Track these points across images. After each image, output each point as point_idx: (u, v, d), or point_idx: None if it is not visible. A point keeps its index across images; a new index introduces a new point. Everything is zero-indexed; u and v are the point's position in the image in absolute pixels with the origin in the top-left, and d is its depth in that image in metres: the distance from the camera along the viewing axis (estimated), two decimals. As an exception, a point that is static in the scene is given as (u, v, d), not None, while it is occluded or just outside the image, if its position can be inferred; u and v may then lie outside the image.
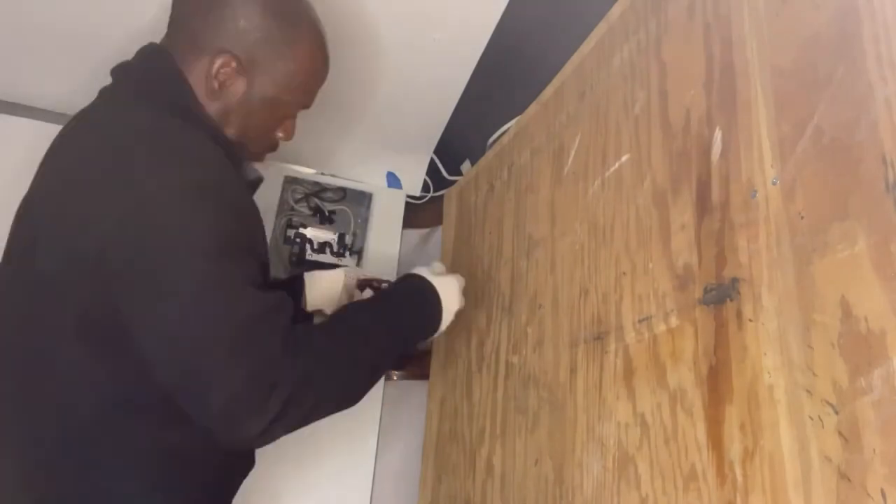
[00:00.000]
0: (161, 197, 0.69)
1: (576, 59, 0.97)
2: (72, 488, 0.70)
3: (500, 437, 1.01)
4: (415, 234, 1.64)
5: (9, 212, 0.82)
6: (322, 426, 1.28)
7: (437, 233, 1.60)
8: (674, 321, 0.63)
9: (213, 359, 0.64)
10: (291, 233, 1.40)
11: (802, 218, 0.50)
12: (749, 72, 0.59)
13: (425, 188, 1.55)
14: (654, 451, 0.62)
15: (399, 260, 1.47)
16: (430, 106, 1.28)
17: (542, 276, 0.96)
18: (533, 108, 1.11)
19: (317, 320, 1.11)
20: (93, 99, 0.85)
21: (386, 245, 1.46)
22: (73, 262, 0.70)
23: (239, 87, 0.84)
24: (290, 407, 0.67)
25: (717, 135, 0.62)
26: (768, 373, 0.51)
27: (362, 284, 1.15)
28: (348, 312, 0.86)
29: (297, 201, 1.44)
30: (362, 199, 1.50)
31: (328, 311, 1.11)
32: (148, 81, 0.83)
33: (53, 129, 0.84)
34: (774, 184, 0.54)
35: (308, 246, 1.40)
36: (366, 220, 1.48)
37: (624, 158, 0.78)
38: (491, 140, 1.33)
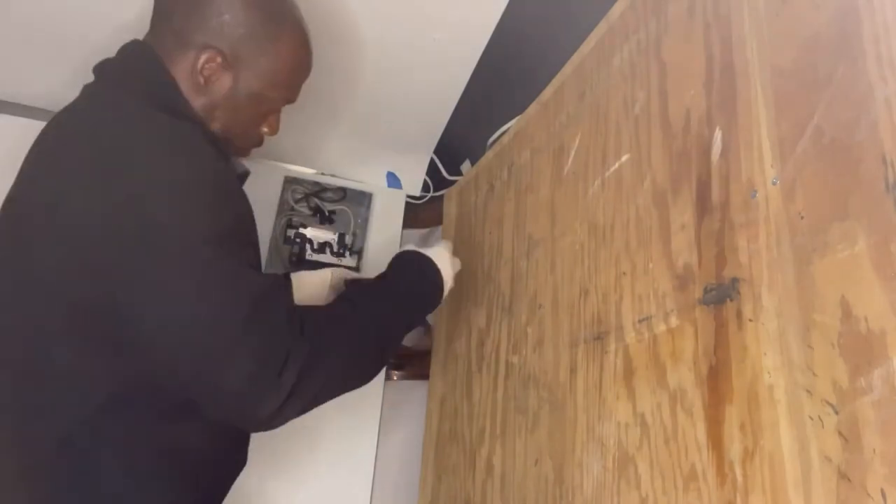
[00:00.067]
0: (157, 188, 0.70)
1: (576, 59, 0.97)
2: (66, 487, 0.70)
3: (500, 437, 1.01)
4: (415, 234, 1.64)
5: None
6: (322, 426, 1.29)
7: (437, 233, 1.60)
8: (674, 321, 0.63)
9: (224, 341, 0.65)
10: (291, 233, 1.40)
11: (802, 218, 0.50)
12: (749, 72, 0.59)
13: (425, 188, 1.55)
14: (654, 451, 0.62)
15: (399, 260, 1.46)
16: (430, 106, 1.28)
17: (542, 276, 0.96)
18: (533, 108, 1.11)
19: None
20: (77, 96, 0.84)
21: (386, 245, 1.46)
22: (69, 257, 0.70)
23: (224, 82, 0.84)
24: (303, 382, 0.67)
25: (717, 135, 0.62)
26: (768, 373, 0.51)
27: (350, 285, 1.14)
28: (349, 291, 0.88)
29: (297, 201, 1.44)
30: (362, 199, 1.50)
31: None
32: (133, 77, 0.82)
33: (37, 126, 0.83)
34: (774, 184, 0.54)
35: (308, 246, 1.39)
36: (366, 220, 1.48)
37: (624, 158, 0.78)
38: (491, 140, 1.33)
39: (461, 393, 1.22)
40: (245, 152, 0.96)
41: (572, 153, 0.93)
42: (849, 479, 0.42)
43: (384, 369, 1.37)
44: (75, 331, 0.71)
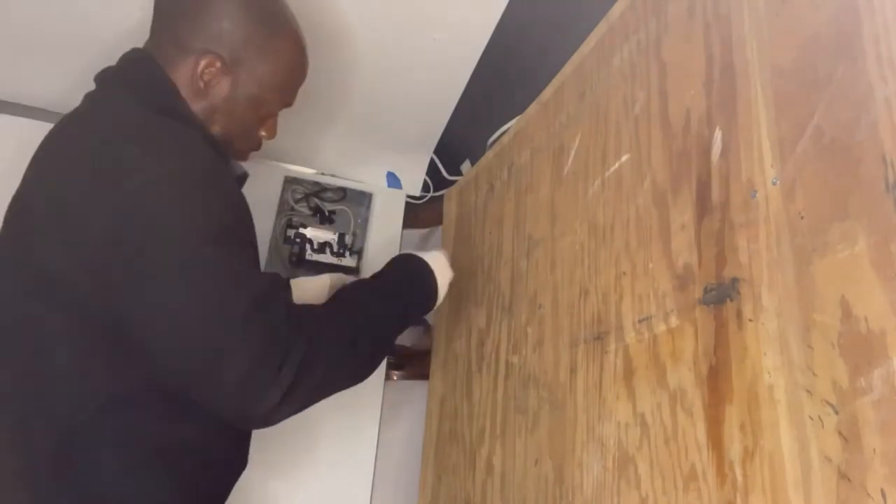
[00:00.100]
0: (157, 187, 0.71)
1: (576, 59, 0.97)
2: (67, 487, 0.70)
3: (500, 437, 1.01)
4: (415, 234, 1.64)
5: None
6: (322, 426, 1.29)
7: (437, 233, 1.60)
8: (674, 321, 0.63)
9: (225, 338, 0.66)
10: (291, 233, 1.40)
11: (802, 218, 0.50)
12: (749, 72, 0.59)
13: (425, 188, 1.55)
14: (654, 451, 0.62)
15: (399, 260, 1.46)
16: (430, 106, 1.28)
17: (542, 276, 0.96)
18: (533, 108, 1.11)
19: None
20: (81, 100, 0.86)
21: (386, 245, 1.46)
22: (71, 257, 0.71)
23: (224, 86, 0.86)
24: (301, 378, 0.68)
25: (717, 135, 0.62)
26: (768, 373, 0.51)
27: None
28: (347, 290, 0.89)
29: (297, 201, 1.44)
30: (362, 199, 1.50)
31: None
32: (134, 83, 0.84)
33: (38, 126, 0.84)
34: (774, 184, 0.54)
35: (308, 246, 1.39)
36: (366, 220, 1.48)
37: (624, 158, 0.78)
38: (491, 140, 1.33)
39: (461, 393, 1.22)
40: (244, 156, 0.97)
41: (572, 153, 0.93)
42: (849, 479, 0.42)
43: (384, 369, 1.38)
44: (76, 330, 0.71)
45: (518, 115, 1.18)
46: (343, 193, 1.49)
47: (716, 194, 0.60)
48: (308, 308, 0.78)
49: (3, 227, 0.80)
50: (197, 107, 0.85)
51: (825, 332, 0.46)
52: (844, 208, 0.46)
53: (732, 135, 0.60)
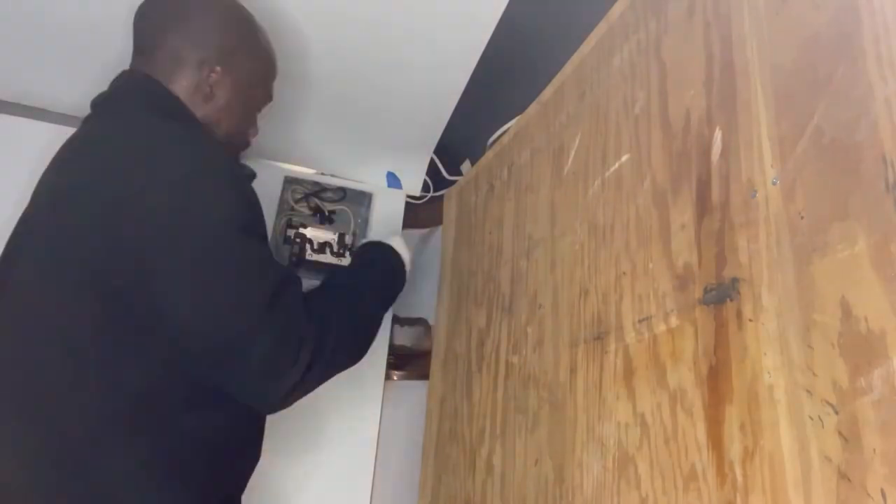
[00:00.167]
0: (187, 179, 0.77)
1: (576, 59, 0.97)
2: (98, 474, 0.72)
3: (500, 437, 1.01)
4: (415, 234, 1.64)
5: (14, 210, 0.84)
6: (323, 425, 1.29)
7: (437, 233, 1.60)
8: (674, 321, 0.63)
9: (252, 320, 0.74)
10: (291, 233, 1.40)
11: (802, 218, 0.50)
12: (749, 71, 0.59)
13: (425, 188, 1.55)
14: (654, 451, 0.62)
15: (399, 260, 1.46)
16: (430, 106, 1.28)
17: (542, 276, 0.96)
18: (533, 108, 1.11)
19: None
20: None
21: (386, 245, 1.46)
22: (101, 250, 0.74)
23: (224, 91, 0.94)
24: (317, 357, 0.79)
25: (717, 135, 0.62)
26: (768, 373, 0.51)
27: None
28: (335, 278, 1.01)
29: (297, 201, 1.44)
30: (362, 199, 1.50)
31: None
32: (137, 97, 0.89)
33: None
34: (774, 184, 0.54)
35: (308, 246, 1.39)
36: (366, 220, 1.48)
37: (624, 158, 0.78)
38: (491, 140, 1.33)
39: (461, 393, 1.22)
40: (240, 156, 1.06)
41: (572, 153, 0.93)
42: (849, 479, 0.42)
43: (384, 369, 1.38)
44: (108, 322, 0.74)
45: (518, 115, 1.18)
46: (343, 193, 1.48)
47: (716, 194, 0.60)
48: (311, 296, 0.87)
49: (32, 225, 0.82)
50: (200, 113, 0.92)
51: (825, 332, 0.46)
52: (844, 208, 0.46)
53: (732, 135, 0.60)
